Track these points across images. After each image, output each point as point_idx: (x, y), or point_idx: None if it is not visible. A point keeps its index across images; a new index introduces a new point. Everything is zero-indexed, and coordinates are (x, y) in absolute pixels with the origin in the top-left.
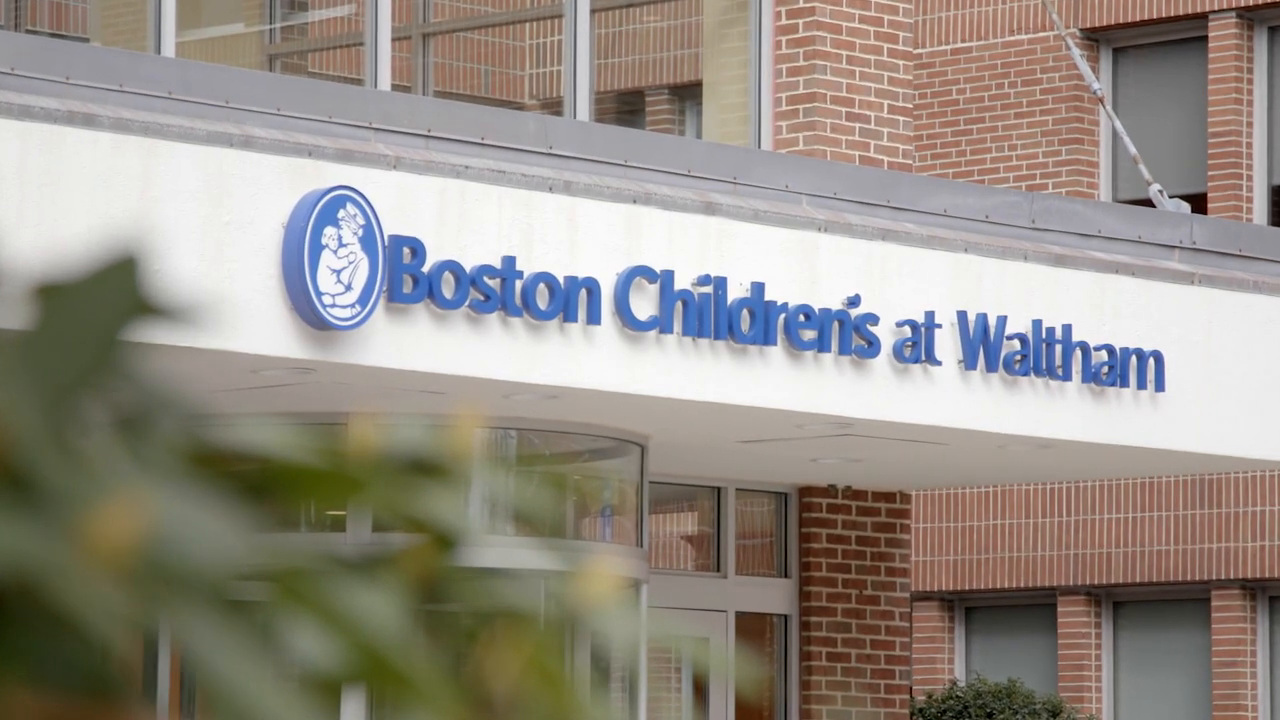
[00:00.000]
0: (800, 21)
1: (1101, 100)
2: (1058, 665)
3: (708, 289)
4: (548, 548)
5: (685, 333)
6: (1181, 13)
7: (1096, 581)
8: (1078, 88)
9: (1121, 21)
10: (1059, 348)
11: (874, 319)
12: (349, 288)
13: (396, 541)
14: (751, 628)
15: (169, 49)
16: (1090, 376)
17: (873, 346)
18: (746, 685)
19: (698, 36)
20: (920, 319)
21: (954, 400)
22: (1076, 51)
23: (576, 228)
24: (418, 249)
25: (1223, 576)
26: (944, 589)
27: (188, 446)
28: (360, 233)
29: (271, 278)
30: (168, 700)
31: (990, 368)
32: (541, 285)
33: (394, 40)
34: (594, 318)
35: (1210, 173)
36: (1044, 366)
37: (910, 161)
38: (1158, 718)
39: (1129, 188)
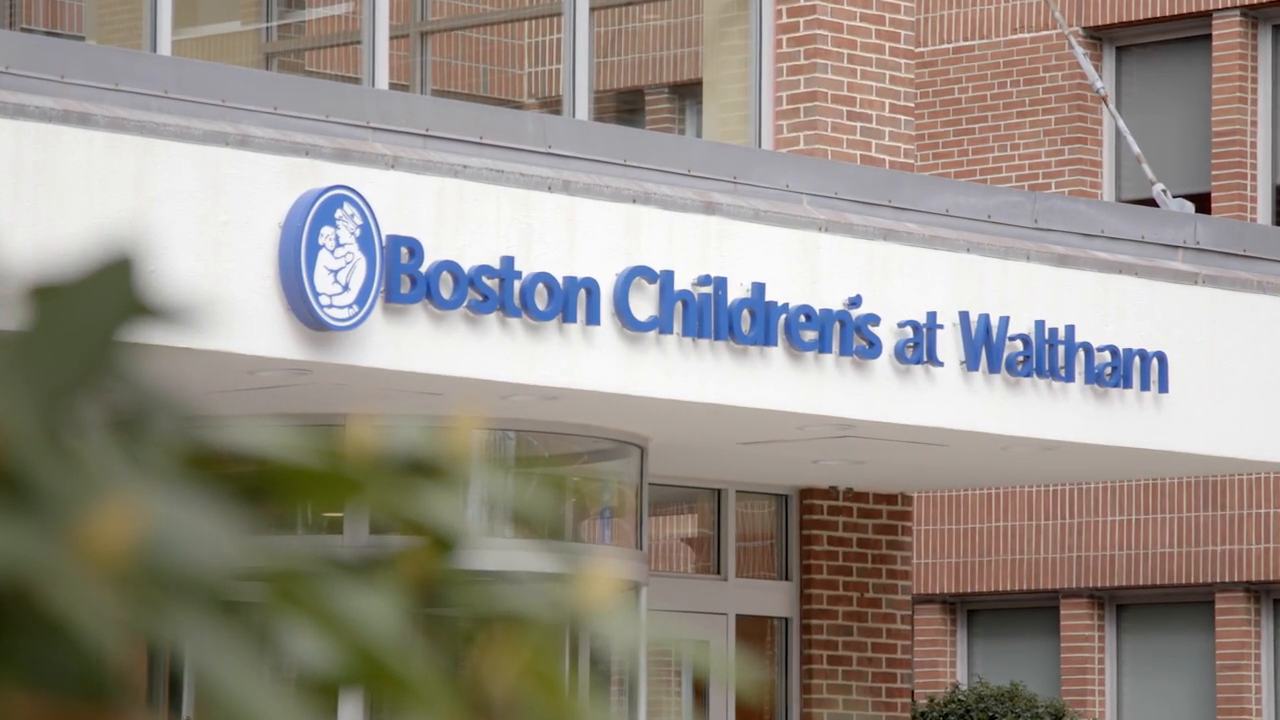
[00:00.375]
0: (801, 20)
1: (1105, 99)
2: (1060, 668)
3: (708, 289)
4: (546, 550)
5: (685, 333)
6: (1185, 11)
7: (1099, 584)
8: (1081, 86)
9: (1125, 20)
10: (1062, 348)
11: (875, 319)
12: (346, 288)
13: (394, 544)
14: (752, 631)
15: (165, 47)
16: (1093, 377)
17: (874, 347)
18: (747, 689)
19: (698, 35)
20: (922, 319)
21: (956, 401)
22: (1079, 50)
23: (576, 227)
24: (415, 249)
25: (1227, 579)
26: (946, 591)
27: (183, 448)
28: (358, 233)
29: (268, 278)
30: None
31: (993, 369)
32: (540, 285)
33: (392, 39)
34: (593, 318)
35: (1214, 172)
36: (1047, 367)
37: (912, 161)
38: None
39: (1132, 187)
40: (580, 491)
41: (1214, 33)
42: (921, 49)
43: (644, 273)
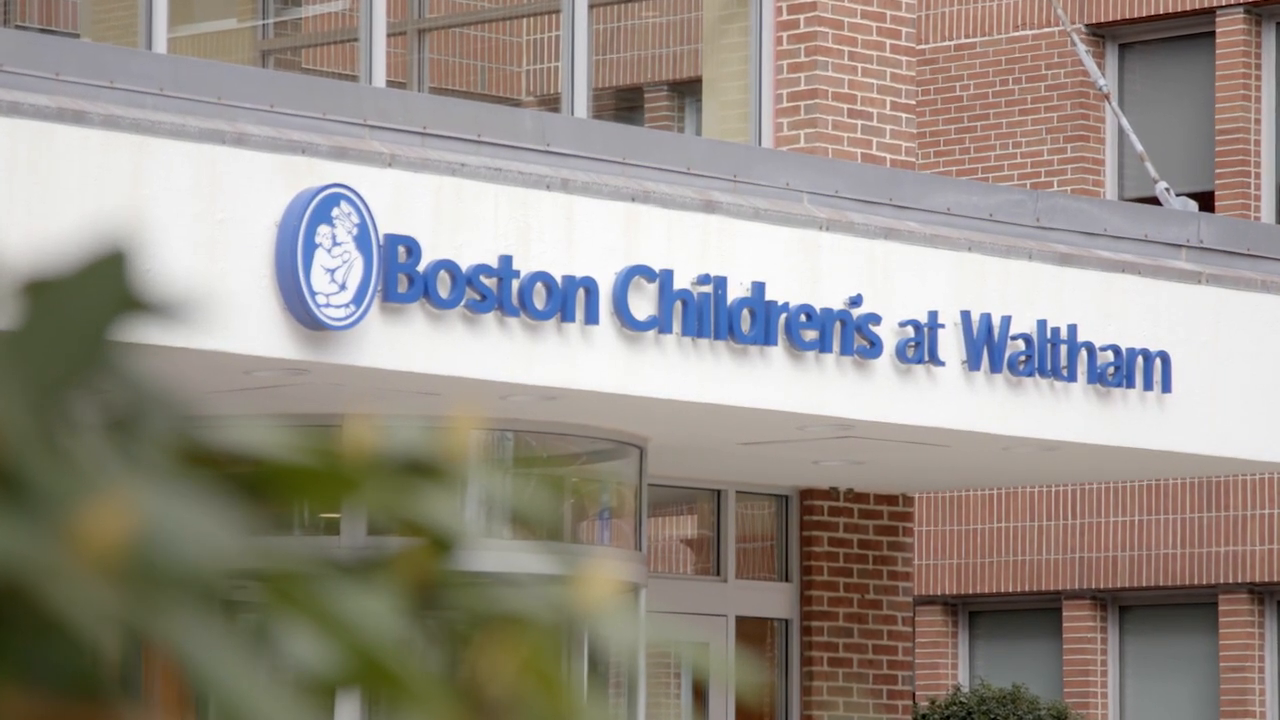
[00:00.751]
0: (801, 17)
1: (1107, 97)
2: (1063, 670)
3: (707, 288)
4: (545, 551)
5: (685, 333)
6: (1188, 8)
7: (1102, 585)
8: (1083, 84)
9: (1128, 17)
10: (1064, 348)
11: (876, 319)
12: (343, 287)
13: (392, 544)
14: (752, 632)
15: (160, 45)
16: (1096, 377)
17: (875, 347)
18: (747, 690)
19: (697, 32)
20: (923, 319)
21: (957, 401)
22: (1082, 47)
23: (574, 226)
24: (413, 248)
25: (1230, 580)
26: (947, 593)
27: (179, 446)
28: (355, 231)
29: (264, 277)
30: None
31: (994, 368)
32: (539, 285)
33: (389, 36)
34: (592, 318)
35: (1218, 170)
36: (1049, 367)
37: (913, 159)
38: None
39: (1135, 186)
40: (579, 492)
41: (1217, 30)
42: (923, 46)
43: (643, 272)
